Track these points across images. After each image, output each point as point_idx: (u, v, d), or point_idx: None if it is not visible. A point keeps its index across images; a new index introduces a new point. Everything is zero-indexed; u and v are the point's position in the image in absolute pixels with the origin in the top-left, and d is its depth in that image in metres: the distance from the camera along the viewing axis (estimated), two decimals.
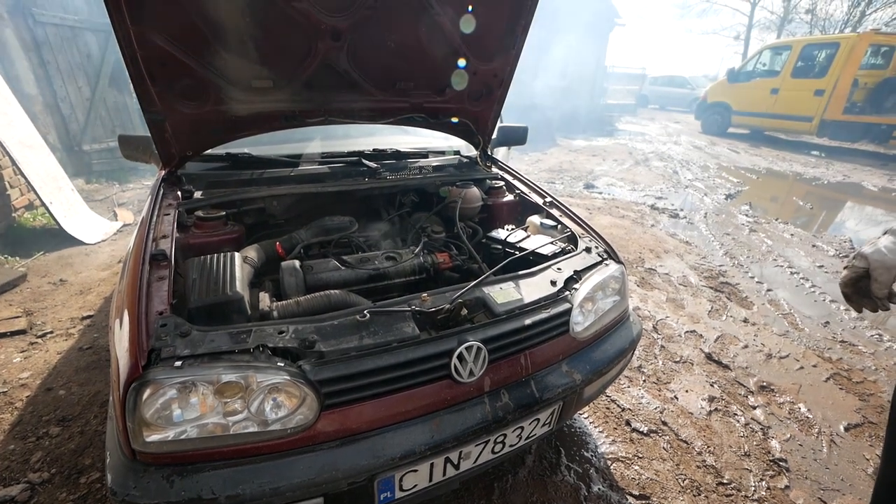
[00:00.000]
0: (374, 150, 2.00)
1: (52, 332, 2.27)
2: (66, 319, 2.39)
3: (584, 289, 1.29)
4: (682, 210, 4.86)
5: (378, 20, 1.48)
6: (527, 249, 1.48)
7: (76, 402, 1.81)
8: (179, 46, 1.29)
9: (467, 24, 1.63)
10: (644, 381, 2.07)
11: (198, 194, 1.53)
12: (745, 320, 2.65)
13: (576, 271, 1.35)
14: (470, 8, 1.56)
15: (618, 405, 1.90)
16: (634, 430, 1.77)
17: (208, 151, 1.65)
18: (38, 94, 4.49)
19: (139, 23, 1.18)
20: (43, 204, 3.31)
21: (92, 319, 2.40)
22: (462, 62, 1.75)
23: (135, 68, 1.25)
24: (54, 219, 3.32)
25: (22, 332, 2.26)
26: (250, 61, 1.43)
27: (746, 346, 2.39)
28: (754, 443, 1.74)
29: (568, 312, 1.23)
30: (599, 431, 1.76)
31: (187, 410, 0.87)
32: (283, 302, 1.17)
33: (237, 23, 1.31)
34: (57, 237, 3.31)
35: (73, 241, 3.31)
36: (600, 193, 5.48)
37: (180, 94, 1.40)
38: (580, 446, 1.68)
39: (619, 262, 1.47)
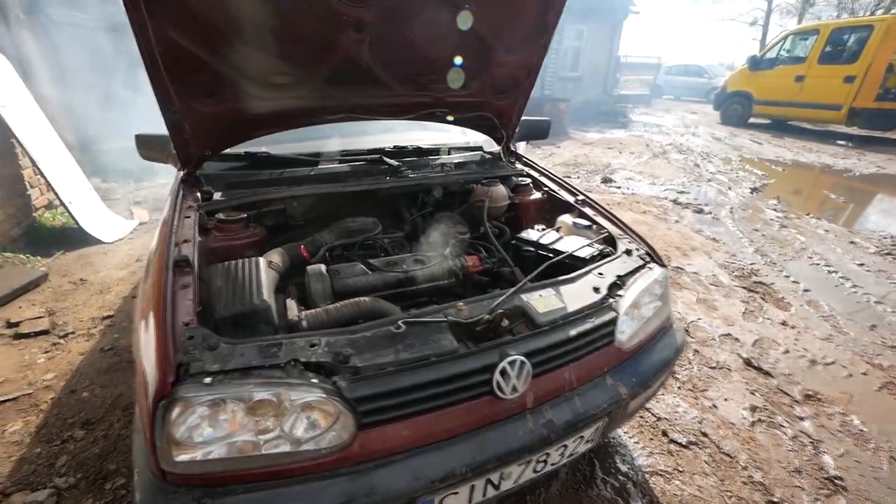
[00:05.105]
0: (394, 147, 1.93)
1: (73, 333, 2.27)
2: (86, 319, 2.39)
3: (629, 296, 1.21)
4: (706, 205, 4.68)
5: (402, 10, 1.40)
6: (563, 252, 1.39)
7: (99, 404, 1.79)
8: (198, 42, 1.23)
9: (494, 12, 1.54)
10: (679, 388, 1.97)
11: (217, 195, 1.48)
12: (784, 323, 2.52)
13: (619, 276, 1.26)
14: None
15: (652, 414, 1.81)
16: (672, 441, 1.68)
17: (226, 151, 1.60)
18: (56, 94, 4.51)
19: (157, 18, 1.12)
20: (62, 203, 3.32)
21: (112, 319, 2.39)
22: (487, 54, 1.66)
23: (153, 66, 1.20)
24: (73, 218, 3.33)
25: (45, 332, 2.26)
26: (270, 56, 1.36)
27: (787, 351, 2.27)
28: (805, 458, 1.64)
29: (613, 322, 1.15)
30: (635, 442, 1.67)
31: (217, 429, 0.83)
32: (312, 311, 1.11)
33: (257, 15, 1.25)
34: (76, 236, 3.32)
35: (91, 240, 3.33)
36: (619, 188, 5.32)
37: (199, 92, 1.35)
38: (615, 458, 1.60)
39: (662, 265, 1.37)
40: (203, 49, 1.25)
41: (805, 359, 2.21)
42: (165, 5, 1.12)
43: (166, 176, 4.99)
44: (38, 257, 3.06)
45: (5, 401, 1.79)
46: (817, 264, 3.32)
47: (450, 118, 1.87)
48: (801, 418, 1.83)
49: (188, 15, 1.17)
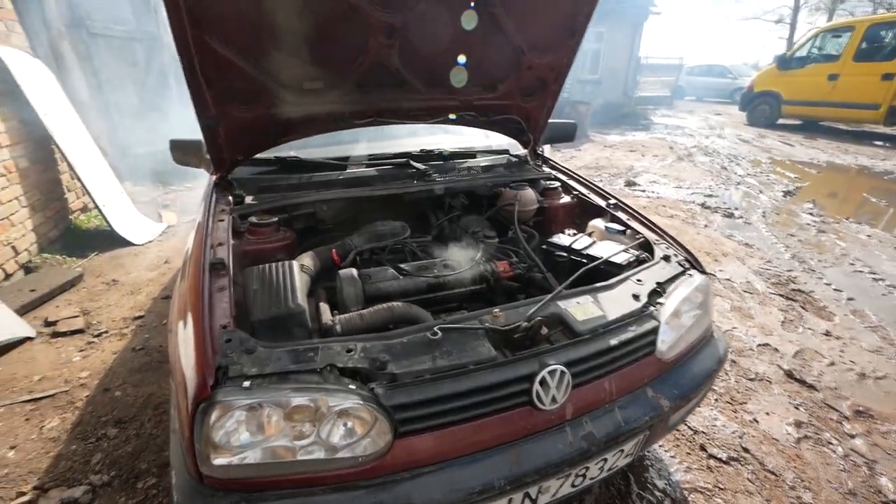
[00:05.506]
0: (421, 150, 1.92)
1: (107, 332, 2.34)
2: (119, 319, 2.46)
3: (670, 304, 1.15)
4: (736, 209, 4.51)
5: (430, 14, 1.39)
6: (598, 258, 1.34)
7: (131, 403, 1.83)
8: (235, 50, 1.26)
9: (525, 14, 1.51)
10: (716, 400, 1.88)
11: (249, 199, 1.50)
12: (827, 333, 2.38)
13: (658, 283, 1.21)
14: None
15: (689, 427, 1.72)
16: (712, 456, 1.59)
17: (257, 155, 1.62)
18: (91, 101, 4.72)
19: (197, 27, 1.14)
20: (96, 206, 3.45)
21: (143, 320, 2.45)
22: (516, 56, 1.63)
23: (191, 73, 1.22)
24: (107, 221, 3.46)
25: (80, 331, 2.34)
26: (303, 62, 1.38)
27: (833, 364, 2.13)
28: (859, 479, 1.53)
29: (655, 331, 1.10)
30: (671, 456, 1.60)
31: (254, 433, 0.82)
32: (346, 315, 1.10)
33: (292, 23, 1.26)
34: (108, 238, 3.44)
35: (123, 242, 3.44)
36: (643, 191, 5.18)
37: (234, 99, 1.37)
38: (651, 473, 1.53)
39: (703, 271, 1.31)
40: (239, 57, 1.27)
41: (853, 372, 2.08)
42: (205, 15, 1.14)
43: (192, 180, 5.14)
44: (74, 258, 3.18)
45: (44, 397, 1.85)
46: (860, 271, 3.14)
47: (478, 121, 1.85)
48: (852, 436, 1.71)
49: (227, 24, 1.19)
